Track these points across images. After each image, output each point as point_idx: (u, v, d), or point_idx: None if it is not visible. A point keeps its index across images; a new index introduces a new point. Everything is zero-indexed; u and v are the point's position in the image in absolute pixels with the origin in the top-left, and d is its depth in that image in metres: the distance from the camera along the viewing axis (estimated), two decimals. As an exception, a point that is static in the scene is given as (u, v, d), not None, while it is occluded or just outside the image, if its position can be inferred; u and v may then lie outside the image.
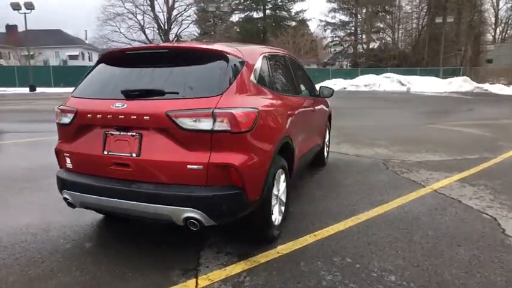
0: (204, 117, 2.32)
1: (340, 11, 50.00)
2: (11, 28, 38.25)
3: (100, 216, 3.52)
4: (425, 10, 44.30)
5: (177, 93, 2.46)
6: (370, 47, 48.72)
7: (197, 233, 3.10)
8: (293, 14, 51.16)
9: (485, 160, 5.78)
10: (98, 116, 2.56)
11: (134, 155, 2.48)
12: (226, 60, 2.60)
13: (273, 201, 2.96)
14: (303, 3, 70.83)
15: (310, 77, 4.79)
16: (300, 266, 2.63)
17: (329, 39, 51.77)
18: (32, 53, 33.49)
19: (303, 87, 4.35)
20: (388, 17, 47.65)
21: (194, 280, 2.48)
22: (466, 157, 6.06)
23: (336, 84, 31.02)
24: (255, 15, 51.60)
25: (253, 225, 2.80)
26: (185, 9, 47.62)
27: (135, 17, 46.53)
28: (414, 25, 46.86)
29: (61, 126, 2.85)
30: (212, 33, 48.76)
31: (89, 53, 51.86)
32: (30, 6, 25.32)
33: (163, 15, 48.02)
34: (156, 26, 48.73)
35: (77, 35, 54.11)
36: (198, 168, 2.35)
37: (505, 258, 2.70)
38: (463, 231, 3.19)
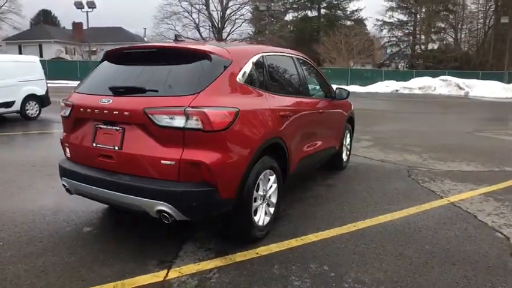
0: (177, 114, 2.38)
1: (398, 10, 47.70)
2: (77, 25, 41.38)
3: (106, 205, 3.72)
4: (492, 9, 40.85)
5: (157, 91, 2.54)
6: (429, 48, 45.99)
7: (186, 227, 3.21)
8: (348, 13, 49.80)
9: (526, 174, 5.25)
10: (88, 110, 2.74)
11: (116, 148, 2.61)
12: (210, 59, 2.64)
13: (258, 202, 2.94)
14: (359, 2, 68.75)
15: (326, 79, 4.65)
16: (273, 268, 2.59)
17: (385, 40, 49.69)
18: (94, 49, 36.01)
19: (313, 89, 4.25)
20: (450, 16, 44.60)
21: (166, 271, 2.55)
22: (505, 169, 5.53)
23: (388, 86, 29.75)
24: (309, 14, 51.00)
25: (233, 224, 2.81)
26: (238, 8, 48.28)
27: (191, 15, 48.07)
28: (480, 25, 43.43)
29: (63, 119, 3.07)
30: (266, 32, 49.01)
31: (147, 50, 54.35)
32: (92, 5, 27.34)
33: (218, 13, 49.14)
34: (210, 24, 50.07)
35: (137, 33, 57.21)
36: (170, 163, 2.41)
37: (500, 284, 2.45)
38: (465, 249, 2.93)
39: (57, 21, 55.83)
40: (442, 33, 45.90)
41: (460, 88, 27.34)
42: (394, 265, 2.66)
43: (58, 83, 24.82)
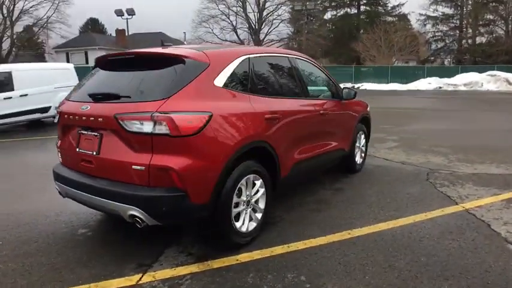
0: (145, 120, 2.38)
1: (443, 3, 45.07)
2: (120, 32, 43.37)
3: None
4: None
5: (129, 97, 2.56)
6: (477, 42, 43.07)
7: (176, 231, 3.20)
8: (389, 8, 47.98)
9: None
10: (71, 117, 2.83)
11: (95, 153, 2.66)
12: (183, 64, 2.62)
13: (240, 207, 2.87)
14: (400, -4, 65.89)
15: (332, 79, 4.46)
16: (248, 277, 2.50)
17: (429, 35, 47.25)
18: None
19: (316, 90, 4.09)
20: (500, 7, 41.47)
21: (140, 275, 2.55)
22: (540, 173, 5.01)
23: (431, 83, 28.28)
24: (348, 11, 49.80)
25: (212, 229, 2.76)
26: (275, 8, 48.20)
27: (228, 18, 48.72)
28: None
29: (57, 126, 3.19)
30: (306, 31, 48.52)
31: (186, 54, 55.84)
32: (131, 12, 28.71)
33: (254, 15, 49.37)
34: (247, 26, 50.42)
35: (177, 37, 58.94)
36: (140, 169, 2.41)
37: (495, 303, 2.19)
38: (466, 262, 2.66)
39: (104, 29, 58.83)
40: (491, 26, 42.76)
41: (510, 83, 25.35)
42: (379, 278, 2.47)
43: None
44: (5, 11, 35.17)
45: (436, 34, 46.60)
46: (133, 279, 2.51)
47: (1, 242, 3.13)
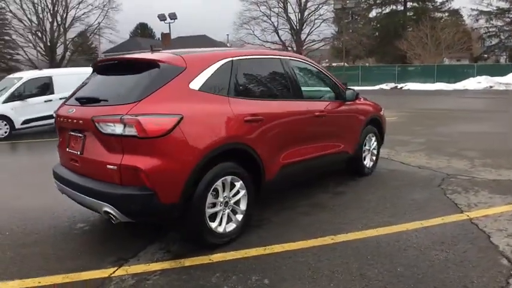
0: (116, 122, 2.52)
1: (498, -3, 41.91)
2: (165, 36, 45.29)
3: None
4: None
5: (107, 100, 2.72)
6: (539, 36, 39.52)
7: (163, 229, 3.32)
8: (438, 4, 45.51)
9: None
10: (62, 119, 3.04)
11: (79, 152, 2.85)
12: (158, 68, 2.72)
13: (217, 207, 2.91)
14: (450, -9, 62.09)
15: (334, 80, 4.34)
16: (213, 277, 2.54)
17: (482, 31, 44.10)
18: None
19: (312, 91, 4.02)
20: None
21: (115, 269, 2.68)
22: None
23: (481, 82, 26.42)
24: (394, 9, 47.94)
25: (185, 228, 2.83)
26: (316, 8, 47.55)
27: (269, 19, 48.79)
28: None
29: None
30: (350, 30, 47.42)
31: (230, 56, 56.87)
32: (174, 16, 29.77)
33: (296, 15, 49.06)
34: (289, 26, 50.23)
35: (221, 39, 60.08)
36: (113, 168, 2.55)
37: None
38: (445, 276, 2.49)
39: (152, 33, 61.49)
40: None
41: None
42: (344, 287, 2.39)
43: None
44: (58, 19, 38.00)
45: (490, 30, 43.33)
46: (108, 272, 2.65)
47: (7, 233, 3.43)
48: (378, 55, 45.71)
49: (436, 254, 2.79)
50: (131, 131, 2.47)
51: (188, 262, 2.75)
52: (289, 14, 49.07)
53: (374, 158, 5.16)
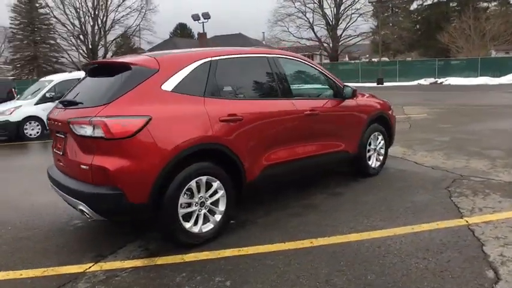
0: (86, 124, 2.63)
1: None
2: (201, 36, 46.23)
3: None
4: None
5: (83, 103, 2.82)
6: None
7: (148, 227, 3.40)
8: (484, -7, 42.59)
9: None
10: (50, 121, 3.22)
11: (61, 153, 3.00)
12: (129, 70, 2.79)
13: (192, 208, 2.93)
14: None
15: (331, 77, 4.20)
16: (179, 276, 2.56)
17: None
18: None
19: (305, 89, 3.93)
20: None
21: (91, 264, 2.79)
22: None
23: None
24: (436, 0, 45.55)
25: (157, 228, 2.88)
26: (353, 2, 46.22)
27: (305, 15, 48.13)
28: None
29: None
30: (390, 24, 45.73)
31: (264, 54, 56.92)
32: (207, 16, 30.28)
33: (331, 10, 48.02)
34: (324, 22, 49.26)
35: (256, 37, 60.18)
36: (85, 168, 2.65)
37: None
38: (419, 287, 2.34)
39: (191, 33, 62.84)
40: None
41: None
42: (305, 291, 2.33)
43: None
44: (99, 22, 39.99)
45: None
46: (84, 267, 2.76)
47: (10, 227, 3.67)
48: (419, 49, 43.67)
49: (416, 262, 2.63)
50: (99, 133, 2.56)
51: (161, 261, 2.79)
52: (324, 10, 48.14)
53: (381, 157, 4.95)
